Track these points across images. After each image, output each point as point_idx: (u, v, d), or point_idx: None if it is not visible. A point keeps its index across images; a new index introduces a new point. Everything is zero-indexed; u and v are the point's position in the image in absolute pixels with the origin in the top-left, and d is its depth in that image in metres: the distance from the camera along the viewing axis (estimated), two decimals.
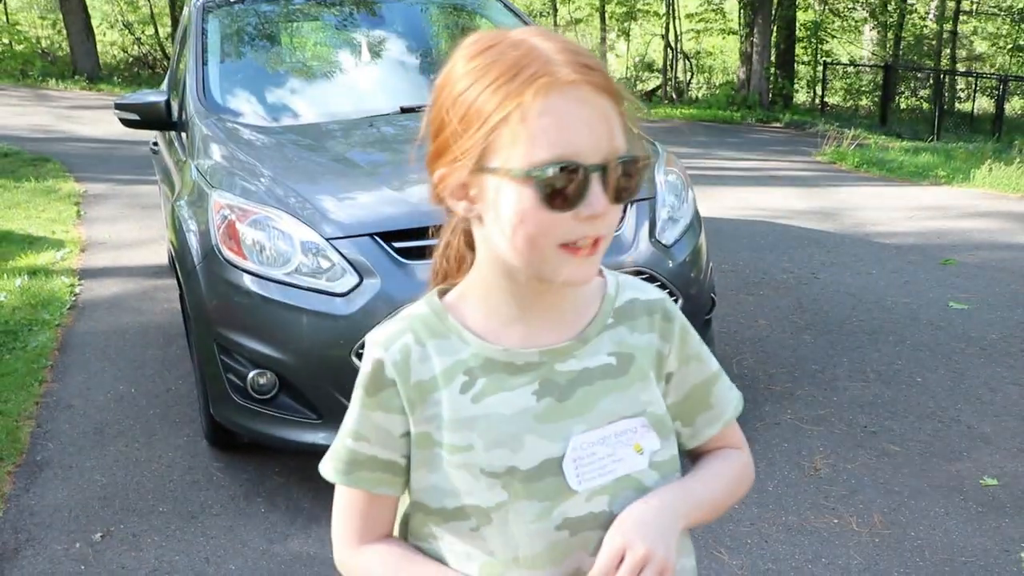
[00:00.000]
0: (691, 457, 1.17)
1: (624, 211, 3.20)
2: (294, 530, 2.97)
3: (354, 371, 2.85)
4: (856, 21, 23.00)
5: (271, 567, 2.78)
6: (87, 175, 8.97)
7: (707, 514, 1.12)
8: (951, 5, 20.67)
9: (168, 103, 4.24)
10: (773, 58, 19.24)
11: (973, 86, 19.71)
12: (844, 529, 2.97)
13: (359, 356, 2.83)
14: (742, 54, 19.73)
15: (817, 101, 20.30)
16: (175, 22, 18.36)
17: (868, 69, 21.43)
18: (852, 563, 2.79)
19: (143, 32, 22.04)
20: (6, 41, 20.05)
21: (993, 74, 19.69)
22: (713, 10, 22.54)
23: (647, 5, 22.82)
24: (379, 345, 1.05)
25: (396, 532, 1.13)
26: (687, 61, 23.24)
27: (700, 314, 3.40)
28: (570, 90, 0.91)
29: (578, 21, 24.21)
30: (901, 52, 21.06)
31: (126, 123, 4.28)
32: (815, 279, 5.75)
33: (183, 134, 4.07)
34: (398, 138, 3.91)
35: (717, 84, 22.44)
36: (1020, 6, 20.33)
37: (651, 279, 3.07)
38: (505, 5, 4.88)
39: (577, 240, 0.95)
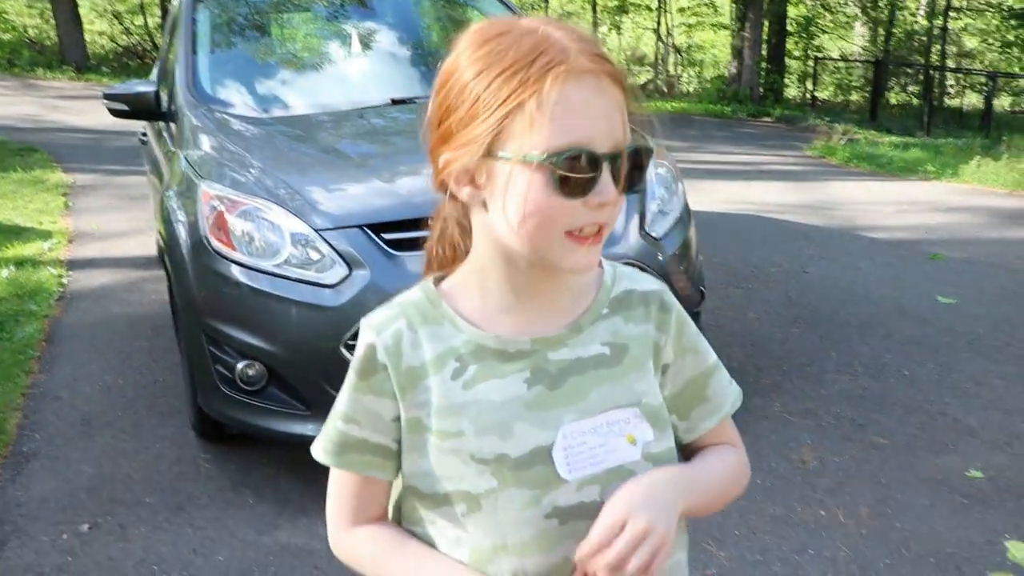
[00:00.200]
0: (685, 454, 1.16)
1: None
2: (282, 521, 2.96)
3: (343, 362, 2.85)
4: (847, 16, 23.06)
5: (259, 558, 2.78)
6: (75, 165, 8.92)
7: (705, 503, 1.10)
8: (941, 2, 20.72)
9: (157, 93, 4.22)
10: (764, 53, 19.27)
11: (962, 82, 19.80)
12: (831, 521, 2.99)
13: (348, 347, 2.83)
14: (733, 48, 19.75)
15: (808, 96, 20.34)
16: (165, 12, 18.26)
17: (859, 64, 21.49)
18: (839, 555, 2.81)
19: (132, 22, 21.89)
20: None
21: (982, 71, 19.76)
22: (704, 4, 22.56)
23: None
24: (372, 329, 1.06)
25: (390, 516, 1.13)
26: (678, 55, 23.25)
27: (689, 307, 3.40)
28: (587, 79, 0.92)
29: (570, 14, 24.18)
30: (891, 48, 21.11)
31: (115, 113, 4.26)
32: (804, 273, 5.77)
33: (172, 125, 4.05)
34: (388, 130, 3.90)
35: (708, 78, 22.45)
36: (1009, 3, 20.39)
37: (640, 271, 3.07)
38: None
39: (583, 228, 0.95)
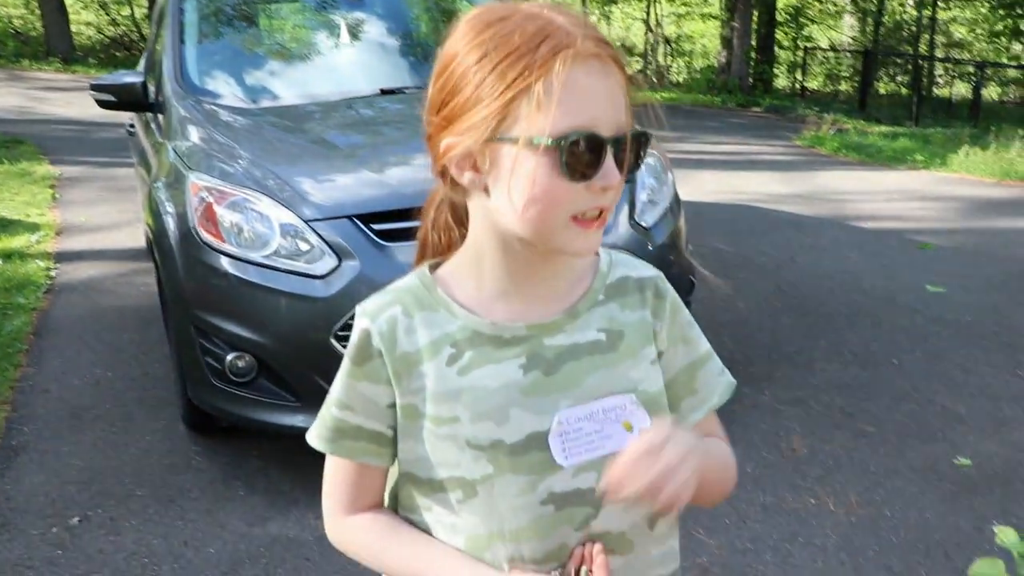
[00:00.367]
0: None
1: None
2: (273, 513, 2.96)
3: (333, 353, 2.85)
4: (836, 6, 23.07)
5: (250, 550, 2.78)
6: (62, 157, 8.86)
7: (708, 480, 1.03)
8: None
9: (145, 84, 4.20)
10: (754, 43, 19.27)
11: (951, 72, 19.84)
12: (821, 509, 3.00)
13: (338, 338, 2.82)
14: (723, 39, 19.75)
15: (797, 86, 20.37)
16: (151, 2, 18.10)
17: (848, 54, 21.52)
18: (828, 542, 2.82)
19: (119, 12, 21.71)
20: None
21: (971, 60, 19.82)
22: None
23: None
24: (367, 315, 1.05)
25: (386, 504, 1.13)
26: (667, 45, 23.23)
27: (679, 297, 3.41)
28: (593, 63, 0.93)
29: (559, 3, 24.09)
30: (880, 38, 21.14)
31: (102, 104, 4.23)
32: (794, 262, 5.78)
33: (160, 116, 4.03)
34: (378, 120, 3.89)
35: (697, 68, 22.45)
36: None
37: (636, 258, 3.07)
38: None
39: (586, 211, 0.96)
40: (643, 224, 3.34)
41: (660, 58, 22.71)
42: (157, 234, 3.32)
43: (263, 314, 2.94)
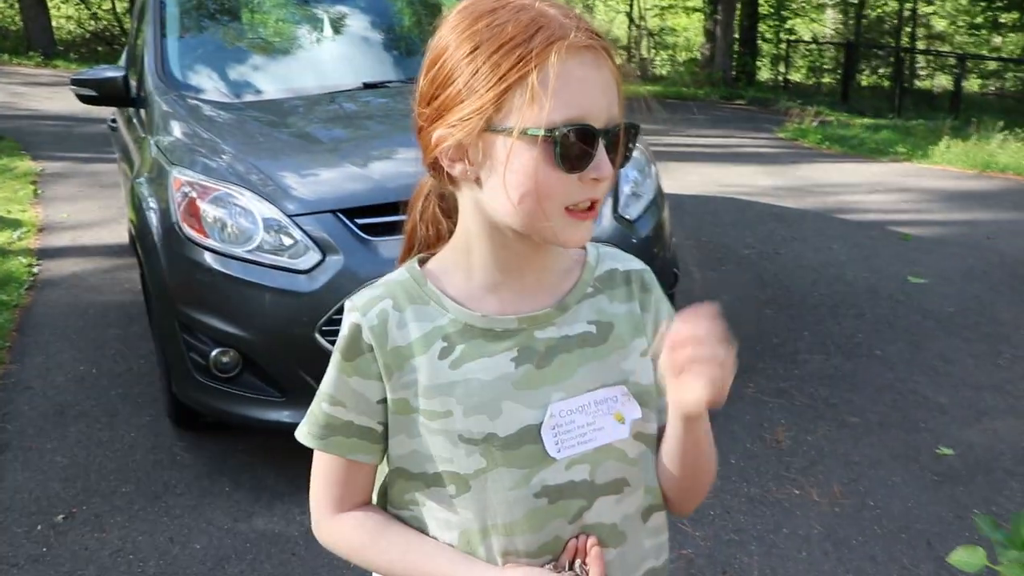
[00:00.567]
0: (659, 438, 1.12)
1: None
2: (259, 508, 2.96)
3: (318, 349, 2.84)
4: None
5: (236, 545, 2.77)
6: (44, 153, 8.79)
7: (706, 450, 1.10)
8: None
9: (126, 79, 4.17)
10: (737, 35, 19.31)
11: (932, 64, 19.95)
12: (805, 499, 3.02)
13: (323, 333, 2.82)
14: (706, 31, 19.79)
15: (780, 78, 20.44)
16: None
17: (830, 47, 21.60)
18: (812, 532, 2.85)
19: (100, 6, 21.55)
20: None
21: (952, 52, 19.93)
22: None
23: None
24: (357, 310, 1.05)
25: (375, 502, 1.13)
26: (651, 38, 23.24)
27: (663, 290, 3.42)
28: (586, 54, 0.93)
29: None
30: (863, 30, 21.24)
31: (83, 99, 4.20)
32: (777, 254, 5.81)
33: (142, 111, 4.00)
34: (361, 114, 3.87)
35: (681, 61, 22.48)
36: None
37: (623, 251, 3.08)
38: None
39: (579, 203, 0.96)
40: (627, 217, 3.35)
41: (644, 51, 22.72)
42: (140, 230, 3.30)
43: (247, 309, 2.93)
